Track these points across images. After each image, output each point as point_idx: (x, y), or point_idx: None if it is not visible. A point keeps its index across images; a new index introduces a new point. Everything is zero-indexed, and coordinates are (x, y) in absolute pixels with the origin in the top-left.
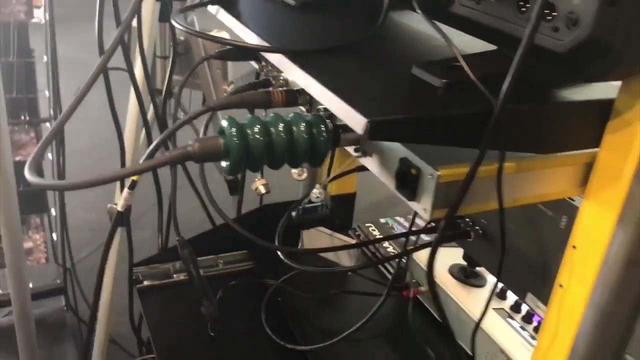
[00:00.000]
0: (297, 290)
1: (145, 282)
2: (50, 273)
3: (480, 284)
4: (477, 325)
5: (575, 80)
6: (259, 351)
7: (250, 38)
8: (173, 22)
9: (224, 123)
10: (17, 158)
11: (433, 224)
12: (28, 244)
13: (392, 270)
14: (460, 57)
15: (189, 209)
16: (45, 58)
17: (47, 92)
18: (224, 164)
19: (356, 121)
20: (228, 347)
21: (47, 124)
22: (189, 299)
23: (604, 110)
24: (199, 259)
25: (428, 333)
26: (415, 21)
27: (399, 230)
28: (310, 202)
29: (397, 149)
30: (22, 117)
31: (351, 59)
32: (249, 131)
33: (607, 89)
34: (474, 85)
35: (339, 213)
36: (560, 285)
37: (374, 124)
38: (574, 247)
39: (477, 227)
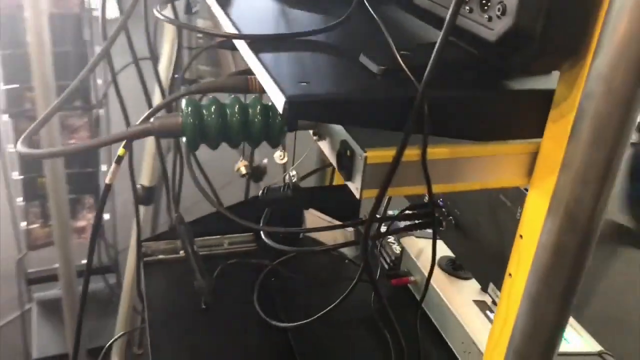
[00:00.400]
0: (289, 273)
1: (153, 257)
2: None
3: (468, 276)
4: (422, 298)
5: (508, 69)
6: (245, 326)
7: (228, 26)
8: (155, 12)
9: (183, 103)
10: (72, 141)
11: (409, 212)
12: (82, 223)
13: (391, 259)
14: (392, 43)
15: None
16: (98, 48)
17: (99, 80)
18: (184, 140)
19: (279, 100)
20: (217, 320)
21: (101, 110)
22: (190, 274)
23: (547, 100)
24: (206, 237)
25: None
26: (399, 12)
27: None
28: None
29: (340, 132)
30: (76, 103)
31: (313, 46)
32: (204, 111)
33: (555, 79)
34: (413, 72)
35: (302, 196)
36: (510, 275)
37: (291, 103)
38: (520, 236)
39: (450, 217)
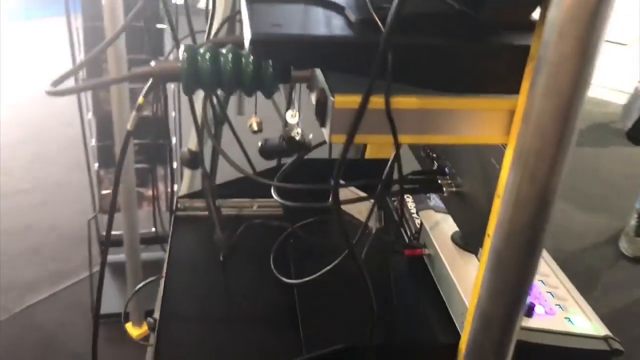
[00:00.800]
0: (309, 237)
1: (184, 212)
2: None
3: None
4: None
5: (482, 21)
6: (256, 280)
7: None
8: None
9: (181, 49)
10: (145, 113)
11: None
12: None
13: (412, 231)
14: None
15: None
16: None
17: (171, 56)
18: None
19: (248, 39)
20: (231, 273)
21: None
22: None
23: (524, 56)
24: (238, 199)
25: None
26: None
27: (432, 197)
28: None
29: (322, 82)
30: None
31: (308, 2)
32: (199, 58)
33: None
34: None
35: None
36: (488, 235)
37: (255, 41)
38: (498, 196)
39: (452, 184)
